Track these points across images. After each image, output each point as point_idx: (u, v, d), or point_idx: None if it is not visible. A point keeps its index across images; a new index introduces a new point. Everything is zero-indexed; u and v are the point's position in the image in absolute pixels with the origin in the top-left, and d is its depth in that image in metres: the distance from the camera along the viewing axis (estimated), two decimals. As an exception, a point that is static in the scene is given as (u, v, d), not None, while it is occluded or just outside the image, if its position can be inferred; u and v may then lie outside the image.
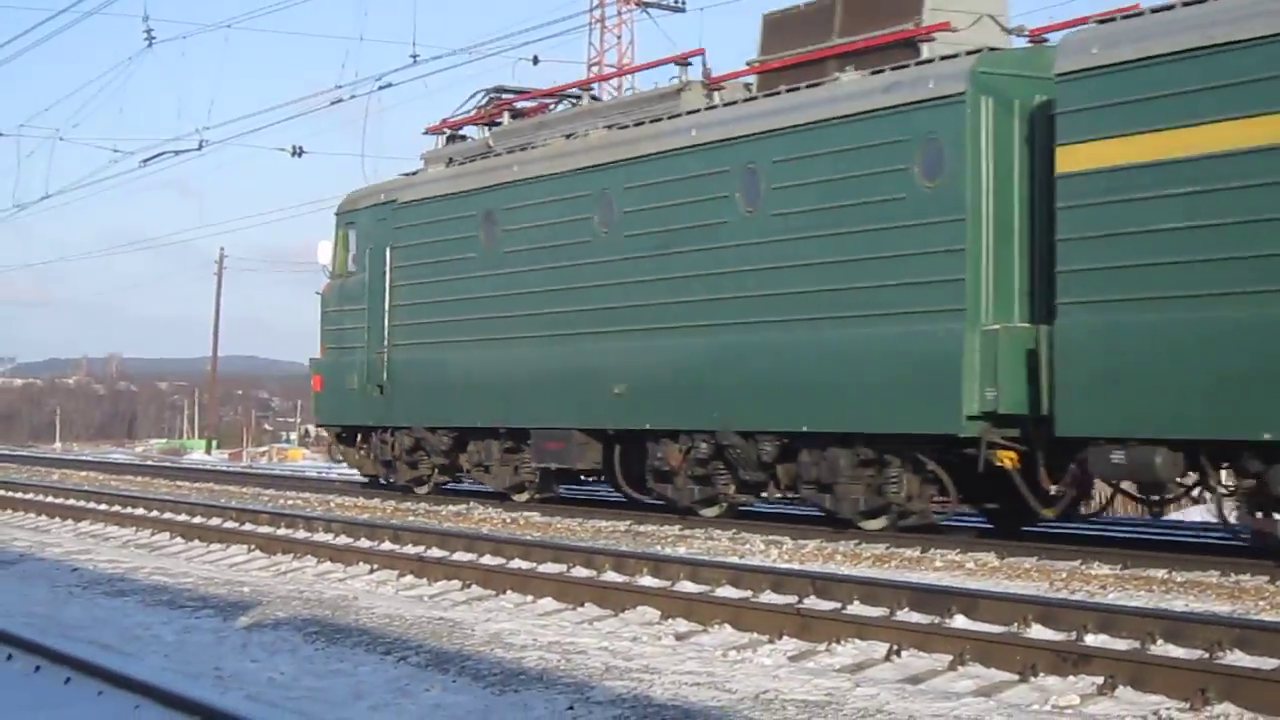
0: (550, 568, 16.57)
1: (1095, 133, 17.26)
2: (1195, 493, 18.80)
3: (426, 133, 29.26)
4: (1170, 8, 16.99)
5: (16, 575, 17.28)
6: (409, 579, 16.57)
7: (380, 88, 35.16)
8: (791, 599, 13.65)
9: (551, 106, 27.44)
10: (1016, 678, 10.52)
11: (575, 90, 28.02)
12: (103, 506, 25.38)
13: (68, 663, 10.85)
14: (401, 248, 27.94)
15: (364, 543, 19.51)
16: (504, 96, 28.36)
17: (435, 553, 18.12)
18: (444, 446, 27.36)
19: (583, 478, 26.44)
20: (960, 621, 12.21)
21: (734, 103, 22.49)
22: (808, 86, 21.09)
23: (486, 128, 28.02)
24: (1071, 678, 10.33)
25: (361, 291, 28.85)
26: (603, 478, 25.79)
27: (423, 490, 28.25)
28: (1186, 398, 16.33)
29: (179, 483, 32.62)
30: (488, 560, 17.42)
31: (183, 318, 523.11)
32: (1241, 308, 15.90)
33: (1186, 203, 16.45)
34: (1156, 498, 18.45)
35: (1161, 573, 15.86)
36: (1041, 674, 10.46)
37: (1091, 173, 17.25)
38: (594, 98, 28.01)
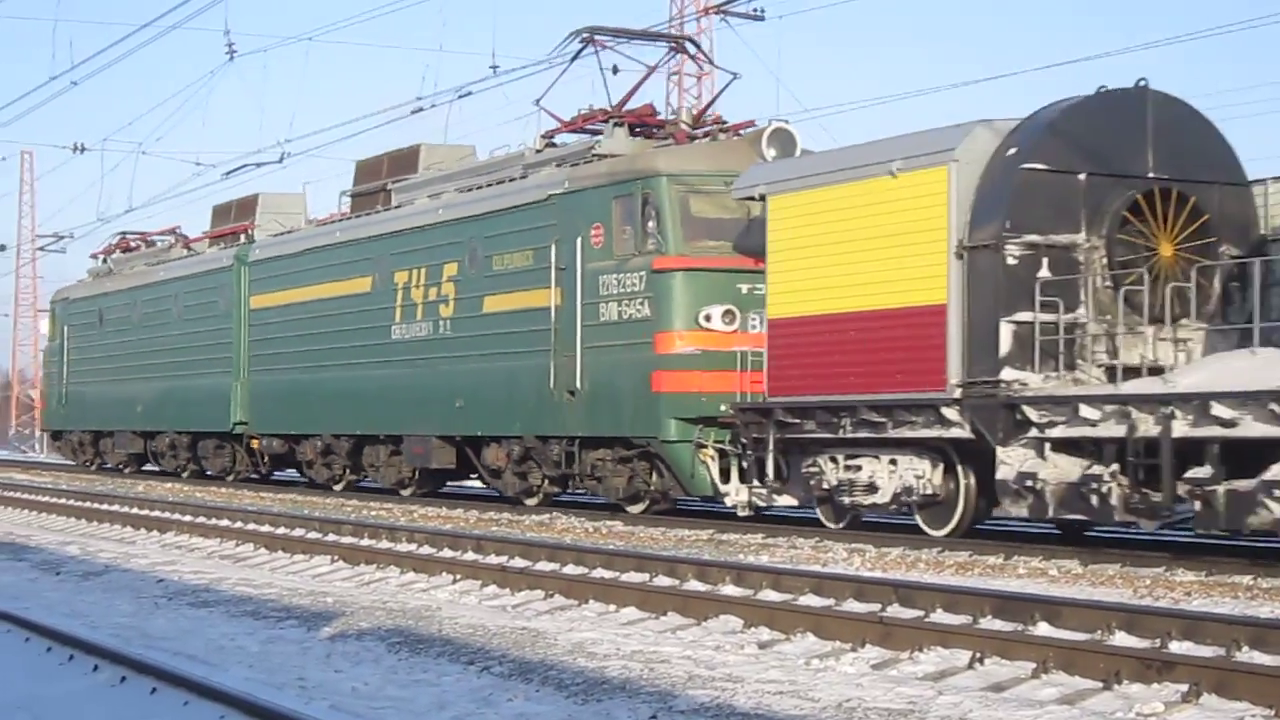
0: (633, 577, 16.60)
1: (258, 289, 37.34)
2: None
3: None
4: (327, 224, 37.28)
5: (102, 586, 17.38)
6: (492, 589, 16.61)
7: (460, 97, 35.29)
8: (874, 607, 13.63)
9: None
10: (1100, 685, 10.46)
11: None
12: (188, 518, 25.54)
13: (153, 673, 10.90)
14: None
15: (447, 553, 19.57)
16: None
17: (518, 563, 18.17)
18: (346, 449, 33.60)
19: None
20: (1043, 629, 12.18)
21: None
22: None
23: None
24: (1156, 685, 10.27)
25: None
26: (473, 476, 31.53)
27: (338, 487, 34.50)
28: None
29: (262, 494, 32.80)
30: (570, 570, 17.44)
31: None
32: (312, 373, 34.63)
33: (295, 325, 35.47)
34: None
35: (1246, 579, 15.77)
36: (1126, 681, 10.39)
37: (258, 309, 37.31)
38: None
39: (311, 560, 19.89)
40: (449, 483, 33.61)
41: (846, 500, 21.61)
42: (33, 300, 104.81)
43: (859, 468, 21.36)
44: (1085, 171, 19.63)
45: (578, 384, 25.88)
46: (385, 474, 32.37)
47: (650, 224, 24.95)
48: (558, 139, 29.21)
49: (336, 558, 19.76)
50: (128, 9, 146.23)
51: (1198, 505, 17.08)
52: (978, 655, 11.42)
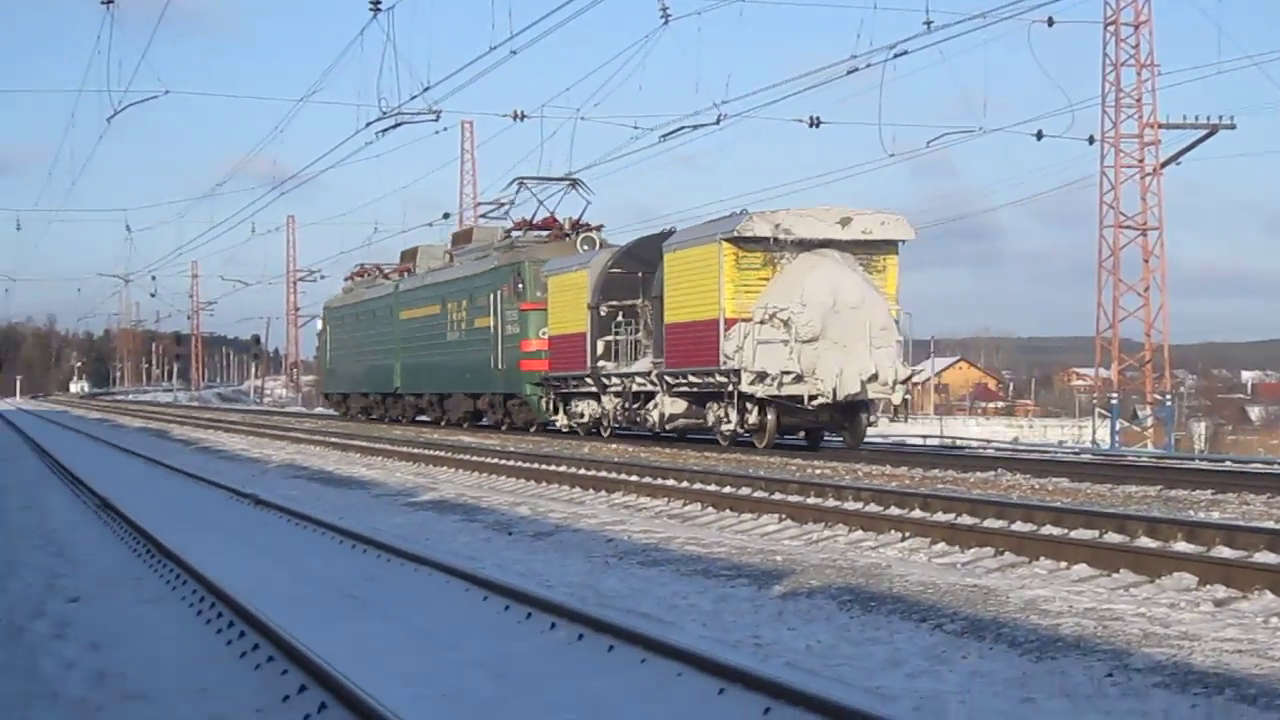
0: (1082, 533, 16.34)
1: (402, 308, 59.19)
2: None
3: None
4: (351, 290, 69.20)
5: (554, 546, 17.76)
6: (940, 546, 16.54)
7: (894, 56, 35.14)
8: (1338, 564, 13.19)
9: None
10: None
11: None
12: (634, 478, 25.95)
13: (610, 631, 11.14)
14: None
15: (894, 511, 19.53)
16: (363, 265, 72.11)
17: (966, 520, 18.05)
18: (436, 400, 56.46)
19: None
20: None
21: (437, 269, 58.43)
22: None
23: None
24: None
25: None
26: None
27: (442, 423, 55.63)
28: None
29: (706, 454, 33.16)
30: (1019, 527, 17.27)
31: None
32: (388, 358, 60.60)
33: (416, 329, 57.44)
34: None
35: None
36: None
37: (403, 320, 59.24)
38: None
39: (759, 519, 20.03)
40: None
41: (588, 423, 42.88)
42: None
43: (579, 405, 43.17)
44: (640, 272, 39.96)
45: (499, 365, 47.72)
46: (451, 414, 54.17)
47: (521, 285, 46.29)
48: (514, 233, 50.62)
49: (784, 516, 19.87)
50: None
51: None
52: None
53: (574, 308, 41.49)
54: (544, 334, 43.98)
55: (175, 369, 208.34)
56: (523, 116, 49.64)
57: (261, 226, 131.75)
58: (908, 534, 17.38)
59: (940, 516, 18.52)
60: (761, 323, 32.62)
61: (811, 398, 32.30)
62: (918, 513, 19.16)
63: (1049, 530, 16.84)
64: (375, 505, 23.69)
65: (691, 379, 35.35)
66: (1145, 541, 15.52)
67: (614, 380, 39.77)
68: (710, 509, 21.57)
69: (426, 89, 41.07)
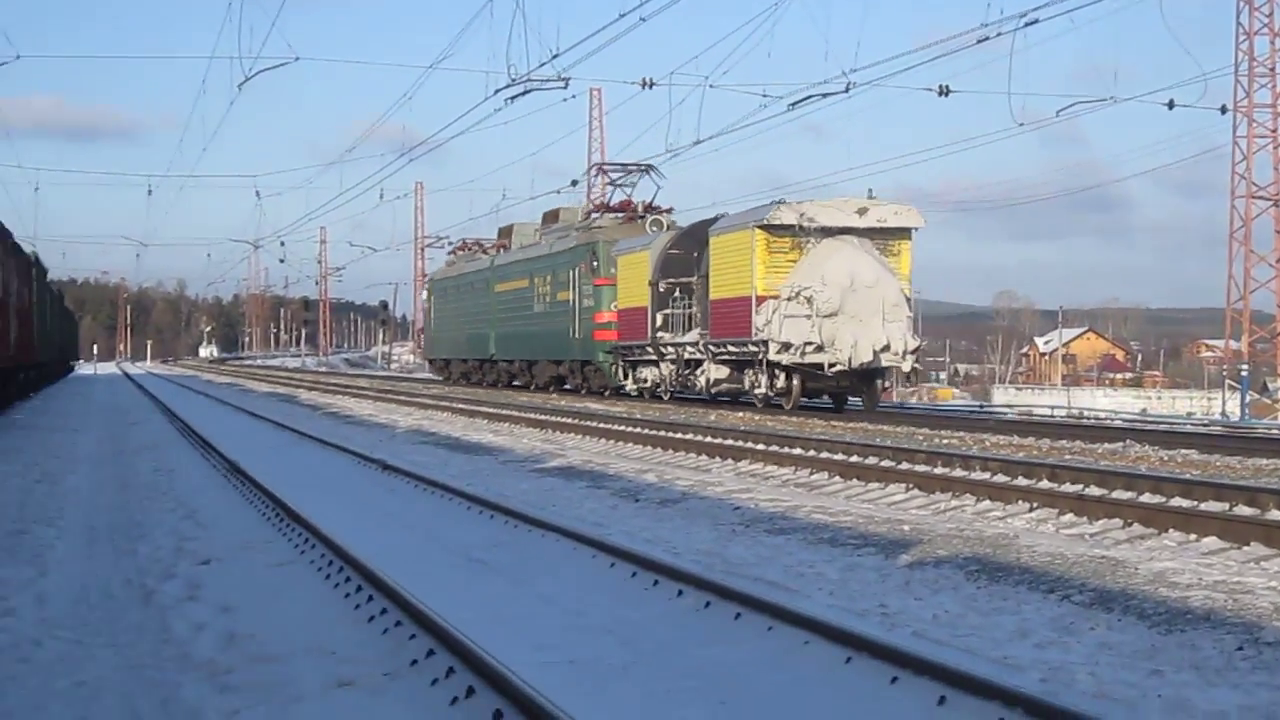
0: (1212, 506, 16.20)
1: (496, 281, 63.89)
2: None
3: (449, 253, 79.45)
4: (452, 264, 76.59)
5: (681, 513, 17.77)
6: (1069, 517, 16.43)
7: (1025, 24, 34.75)
8: None
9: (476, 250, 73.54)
10: None
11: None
12: (760, 446, 25.95)
13: (737, 599, 11.13)
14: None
15: (1021, 481, 19.43)
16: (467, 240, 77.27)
17: (1094, 491, 17.92)
18: (524, 367, 61.43)
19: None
20: None
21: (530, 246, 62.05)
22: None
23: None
24: None
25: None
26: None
27: (530, 389, 60.08)
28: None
29: (833, 422, 33.12)
30: (1147, 499, 17.14)
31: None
32: (484, 327, 65.60)
33: (508, 301, 62.05)
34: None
35: None
36: None
37: (498, 292, 64.37)
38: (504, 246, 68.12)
39: (886, 488, 19.98)
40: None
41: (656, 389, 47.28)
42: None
43: (643, 371, 47.90)
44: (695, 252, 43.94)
45: (576, 335, 52.55)
46: (538, 379, 58.78)
47: (596, 263, 50.96)
48: (592, 214, 56.12)
49: (911, 486, 19.81)
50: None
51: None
52: None
53: (638, 284, 46.88)
54: (614, 307, 49.31)
55: (303, 334, 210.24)
56: (651, 84, 49.50)
57: (390, 193, 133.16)
58: (1035, 504, 17.29)
59: (1068, 487, 18.40)
60: (788, 299, 37.60)
61: (830, 365, 37.29)
62: (1045, 483, 19.05)
63: (1178, 502, 16.71)
64: (502, 471, 23.80)
65: (730, 348, 40.61)
66: (1277, 515, 15.36)
67: (669, 349, 44.99)
68: (837, 478, 21.55)
69: (555, 56, 41.33)
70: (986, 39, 35.50)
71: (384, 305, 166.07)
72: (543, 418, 36.85)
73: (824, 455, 24.01)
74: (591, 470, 23.53)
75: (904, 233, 38.99)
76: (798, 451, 24.83)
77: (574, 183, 70.26)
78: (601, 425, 32.81)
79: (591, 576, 12.94)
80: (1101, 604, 11.28)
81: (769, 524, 16.49)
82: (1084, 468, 19.99)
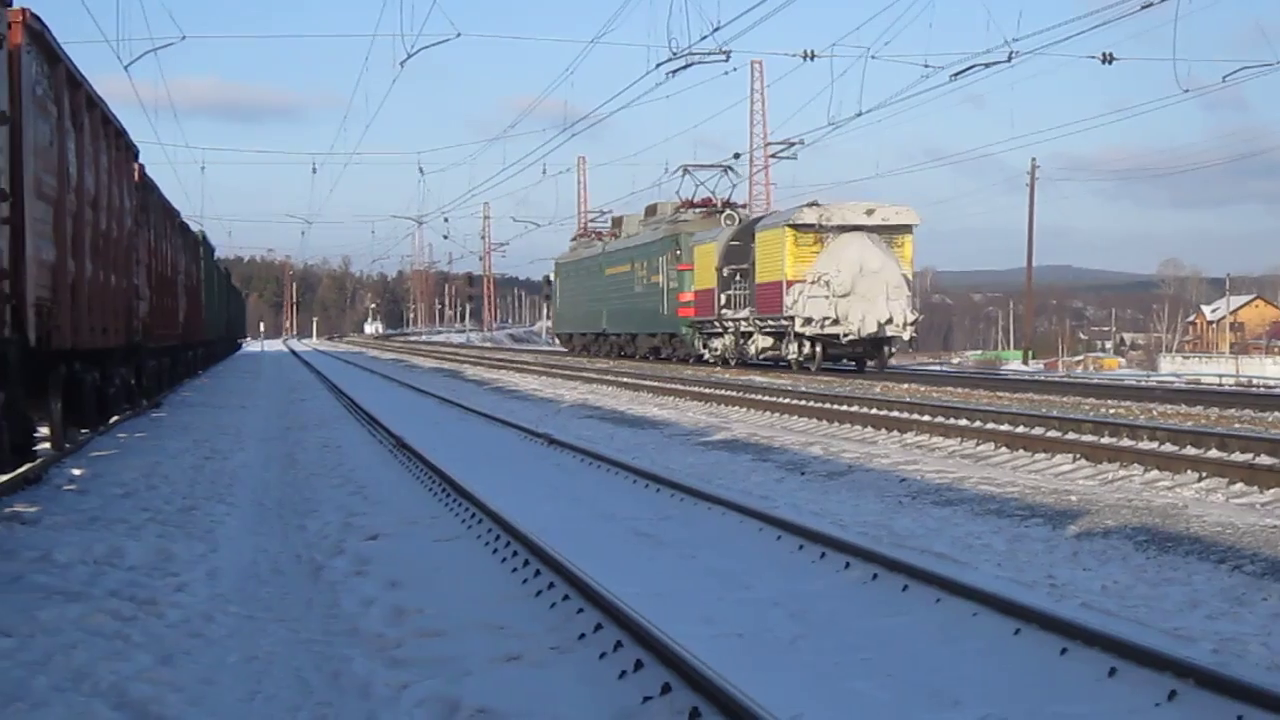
0: (1389, 474, 15.93)
1: (606, 266, 74.86)
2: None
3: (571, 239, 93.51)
4: (574, 250, 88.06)
5: (847, 485, 17.75)
6: (1239, 487, 16.24)
7: (1185, -11, 34.43)
8: None
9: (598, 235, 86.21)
10: None
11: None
12: (926, 418, 25.84)
13: (905, 571, 11.11)
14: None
15: (1189, 450, 19.21)
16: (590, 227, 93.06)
17: (1265, 460, 17.68)
18: (628, 340, 71.73)
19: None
20: None
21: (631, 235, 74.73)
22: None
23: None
24: None
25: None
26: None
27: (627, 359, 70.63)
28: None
29: (999, 393, 32.88)
30: (1321, 467, 16.89)
31: (993, 230, 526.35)
32: (598, 305, 77.16)
33: (615, 283, 73.26)
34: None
35: None
36: None
37: (608, 275, 74.79)
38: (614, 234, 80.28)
39: (1053, 459, 19.83)
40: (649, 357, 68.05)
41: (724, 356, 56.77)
42: (765, 206, 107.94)
43: (714, 342, 58.26)
44: (749, 244, 54.03)
45: (665, 312, 62.79)
46: (640, 349, 68.63)
47: (679, 251, 61.09)
48: (680, 209, 66.72)
49: (1078, 456, 19.65)
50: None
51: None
52: None
53: (708, 270, 57.52)
54: (692, 288, 59.79)
55: (468, 310, 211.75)
56: (812, 56, 49.43)
57: (552, 168, 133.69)
58: (1204, 474, 17.10)
59: (1238, 456, 18.18)
60: (811, 283, 48.03)
61: (844, 335, 47.93)
62: (1214, 453, 18.83)
63: (1354, 471, 16.43)
64: (668, 444, 23.86)
65: (770, 323, 51.26)
66: None
67: (730, 323, 55.45)
68: (1003, 449, 21.42)
69: (716, 29, 41.55)
70: (1150, 4, 35.04)
71: (548, 280, 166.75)
72: (707, 390, 36.87)
73: (990, 426, 23.86)
74: (757, 443, 23.52)
75: (905, 229, 49.10)
76: (964, 423, 24.70)
77: (736, 155, 69.93)
78: (765, 398, 32.80)
79: (759, 550, 12.95)
80: (1274, 574, 11.13)
81: (935, 496, 16.43)
82: (1254, 436, 19.71)
